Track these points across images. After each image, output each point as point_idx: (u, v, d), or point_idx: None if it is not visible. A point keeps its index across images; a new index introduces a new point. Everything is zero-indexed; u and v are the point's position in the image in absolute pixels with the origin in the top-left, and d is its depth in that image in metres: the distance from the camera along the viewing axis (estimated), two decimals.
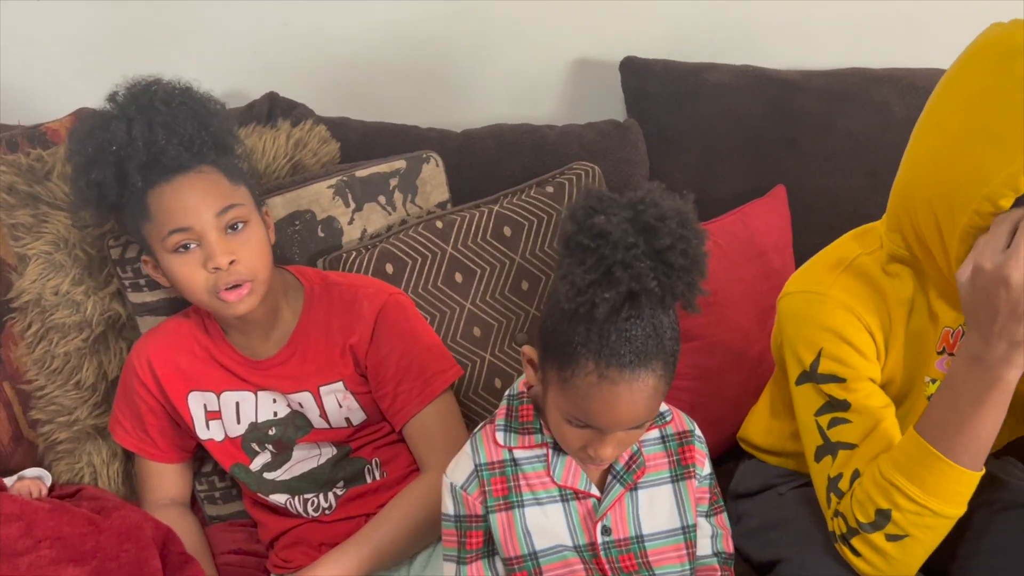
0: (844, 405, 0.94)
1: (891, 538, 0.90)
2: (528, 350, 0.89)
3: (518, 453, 0.92)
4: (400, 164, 1.32)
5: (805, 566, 1.01)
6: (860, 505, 0.92)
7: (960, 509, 0.90)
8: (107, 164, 1.00)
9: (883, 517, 0.90)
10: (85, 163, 1.02)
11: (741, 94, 1.52)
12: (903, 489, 0.89)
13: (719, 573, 1.00)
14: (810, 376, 0.96)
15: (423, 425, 1.09)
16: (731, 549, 1.02)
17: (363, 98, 1.60)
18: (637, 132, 1.50)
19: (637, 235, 0.76)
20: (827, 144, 1.51)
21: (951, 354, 0.97)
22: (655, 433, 0.96)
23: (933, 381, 0.99)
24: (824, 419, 0.95)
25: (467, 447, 0.94)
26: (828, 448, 0.95)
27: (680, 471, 0.96)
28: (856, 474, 0.93)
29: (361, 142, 1.45)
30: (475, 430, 0.96)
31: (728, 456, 1.29)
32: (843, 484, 0.94)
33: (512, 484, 0.92)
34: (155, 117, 1.00)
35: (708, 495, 0.99)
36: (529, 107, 1.64)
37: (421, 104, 1.62)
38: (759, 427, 1.19)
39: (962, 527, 1.05)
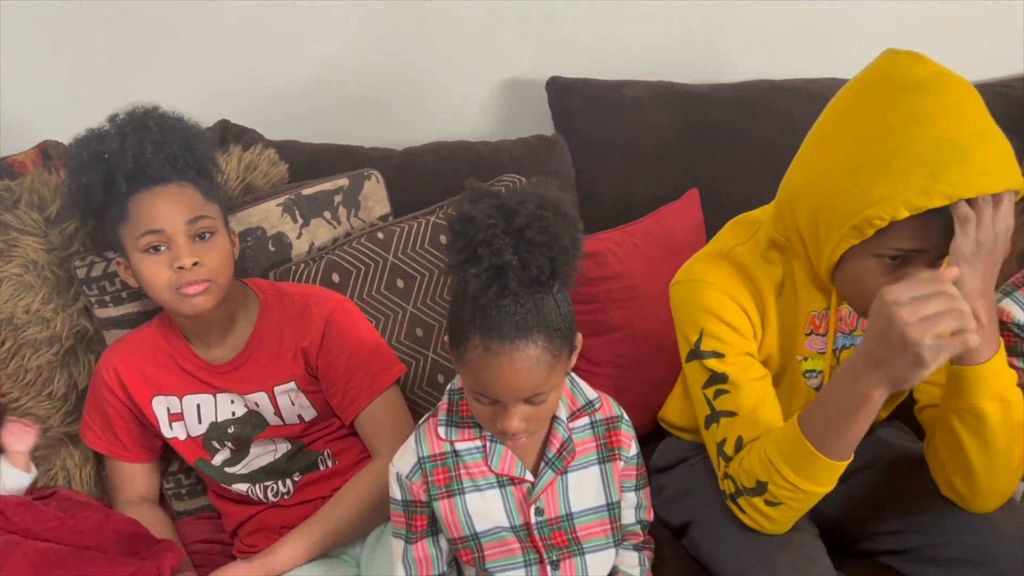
0: (724, 378, 1.06)
1: (769, 503, 1.03)
2: (451, 347, 0.98)
3: (459, 445, 1.02)
4: (343, 182, 1.43)
5: (710, 524, 1.13)
6: (746, 474, 1.03)
7: (827, 487, 1.01)
8: (98, 170, 1.11)
9: (762, 487, 1.02)
10: (78, 167, 1.13)
11: (657, 108, 1.66)
12: (780, 470, 1.00)
13: (640, 537, 1.13)
14: (695, 353, 1.08)
15: (372, 417, 1.20)
16: (651, 517, 1.15)
17: (310, 122, 1.71)
18: (563, 146, 1.64)
19: (499, 218, 0.88)
20: (736, 151, 1.65)
21: (819, 334, 1.11)
22: (585, 420, 1.06)
23: (805, 359, 1.12)
24: (710, 391, 1.07)
25: (411, 440, 1.03)
26: (714, 417, 1.07)
27: (607, 453, 1.06)
28: (740, 440, 1.05)
29: (309, 163, 1.56)
30: (419, 422, 1.05)
31: (652, 436, 1.42)
32: (728, 448, 1.06)
33: (453, 474, 1.02)
34: (147, 135, 1.12)
35: (635, 472, 1.10)
36: (465, 125, 1.76)
37: (365, 126, 1.74)
38: (675, 408, 1.32)
39: (853, 484, 1.20)
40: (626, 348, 1.43)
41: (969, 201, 0.91)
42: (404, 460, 1.03)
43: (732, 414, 1.07)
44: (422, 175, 1.58)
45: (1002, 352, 0.99)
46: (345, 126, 1.72)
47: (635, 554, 1.12)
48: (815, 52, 1.82)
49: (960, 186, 0.89)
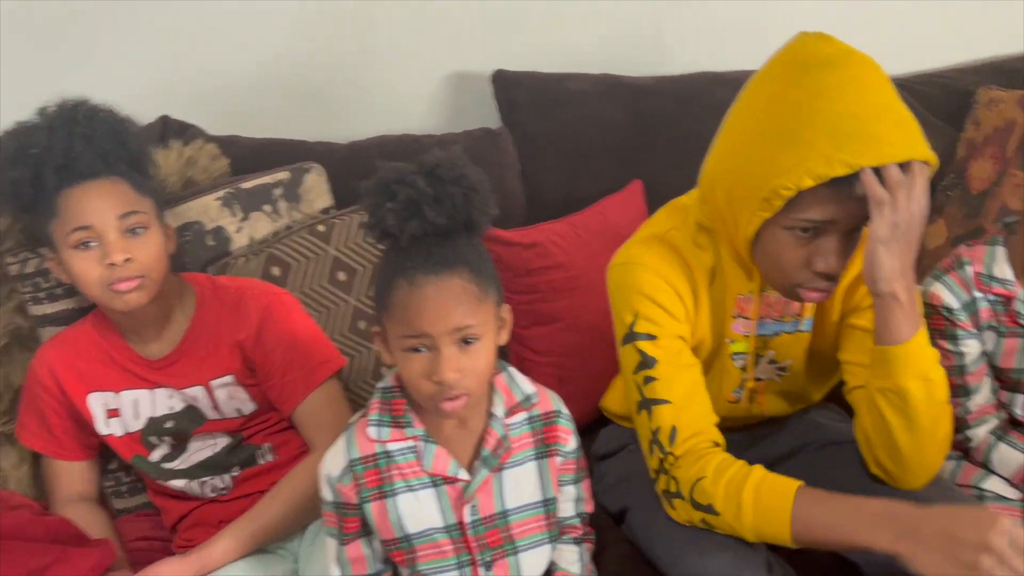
0: (652, 362, 1.07)
1: (705, 522, 1.03)
2: (374, 328, 1.00)
3: (390, 446, 1.01)
4: (283, 175, 1.43)
5: (647, 510, 1.14)
6: (703, 491, 1.01)
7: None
8: (26, 165, 1.09)
9: (710, 511, 1.02)
10: (6, 162, 1.11)
11: (601, 100, 1.68)
12: (741, 517, 0.99)
13: (580, 530, 1.12)
14: (630, 336, 1.09)
15: (310, 410, 1.20)
16: (591, 509, 1.14)
17: (255, 117, 1.70)
18: (507, 138, 1.65)
19: (411, 164, 0.94)
20: (679, 143, 1.67)
21: (745, 317, 1.12)
22: (523, 415, 1.05)
23: (732, 342, 1.14)
24: (640, 377, 1.08)
25: (341, 441, 1.02)
26: (645, 404, 1.08)
27: (544, 449, 1.05)
28: (675, 432, 1.05)
29: (252, 157, 1.55)
30: (350, 421, 1.04)
31: (597, 424, 1.44)
32: (663, 438, 1.06)
33: (385, 475, 1.00)
34: (75, 128, 1.10)
35: (574, 466, 1.09)
36: (411, 119, 1.76)
37: (310, 120, 1.73)
38: (616, 396, 1.33)
39: (787, 468, 1.22)
40: (569, 338, 1.44)
41: (883, 182, 0.93)
42: (334, 462, 1.01)
43: (665, 402, 1.07)
44: (366, 169, 1.53)
45: (924, 331, 1.01)
46: (290, 121, 1.71)
47: (575, 548, 1.11)
48: (757, 44, 1.82)
49: (861, 154, 0.91)
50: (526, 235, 1.45)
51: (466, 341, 0.94)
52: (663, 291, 1.09)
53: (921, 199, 0.95)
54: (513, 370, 1.08)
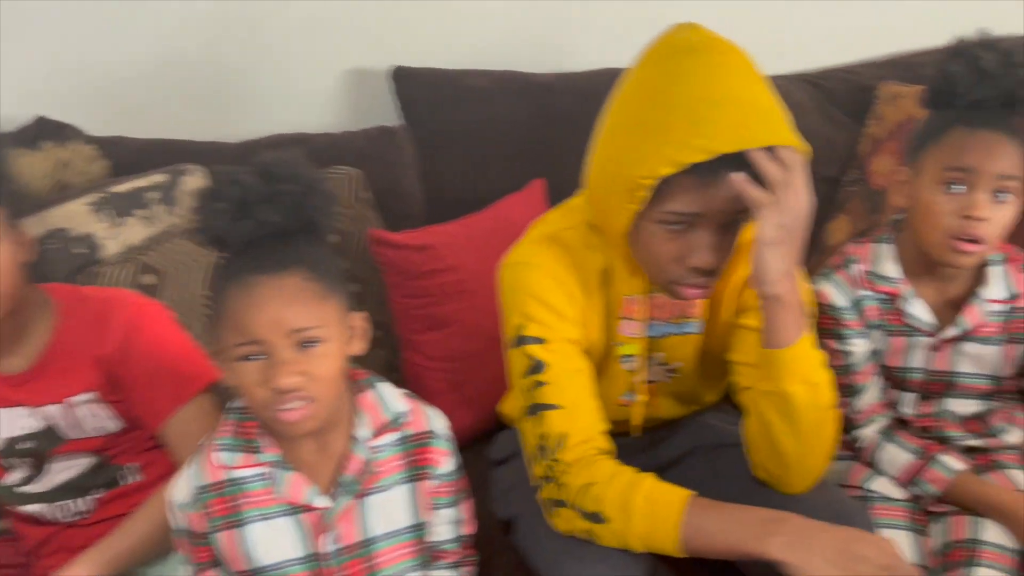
0: (543, 367, 1.03)
1: (591, 531, 0.99)
2: (210, 349, 0.94)
3: (240, 472, 0.94)
4: (160, 178, 1.36)
5: (531, 517, 1.09)
6: (593, 499, 0.97)
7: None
8: None
9: (597, 519, 0.98)
10: None
11: (502, 97, 1.64)
12: (631, 526, 0.95)
13: (458, 555, 1.06)
14: (519, 340, 1.05)
15: (179, 427, 1.14)
16: (473, 530, 1.08)
17: (144, 117, 1.63)
18: (405, 137, 1.61)
19: (244, 166, 0.90)
20: (583, 141, 1.62)
21: (632, 319, 1.09)
22: (392, 436, 0.98)
23: (620, 344, 1.11)
24: (529, 381, 1.04)
25: (188, 467, 0.95)
26: (533, 409, 1.04)
27: (415, 472, 0.99)
28: (563, 438, 1.01)
29: (136, 159, 1.48)
30: (200, 442, 0.98)
31: (497, 429, 1.40)
32: (550, 444, 1.02)
33: (235, 504, 0.94)
34: None
35: (450, 488, 1.02)
36: (310, 117, 1.71)
37: (204, 119, 1.66)
38: (512, 400, 1.30)
39: (676, 472, 1.20)
40: (462, 342, 1.40)
41: (765, 184, 0.91)
42: (181, 489, 0.95)
43: (553, 407, 1.03)
44: None
45: (810, 334, 1.00)
46: (183, 120, 1.64)
47: (450, 574, 1.05)
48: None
49: (716, 139, 0.88)
50: (417, 237, 1.41)
51: (307, 344, 0.88)
52: (554, 292, 1.05)
53: (804, 195, 0.93)
54: (384, 386, 1.02)
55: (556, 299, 1.05)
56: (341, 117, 1.73)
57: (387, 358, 1.48)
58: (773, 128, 0.91)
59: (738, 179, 0.90)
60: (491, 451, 1.31)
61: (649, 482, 0.99)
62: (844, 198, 1.69)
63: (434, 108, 1.62)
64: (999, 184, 1.08)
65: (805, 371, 0.98)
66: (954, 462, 1.16)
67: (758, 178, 0.91)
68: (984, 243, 1.10)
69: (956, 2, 1.96)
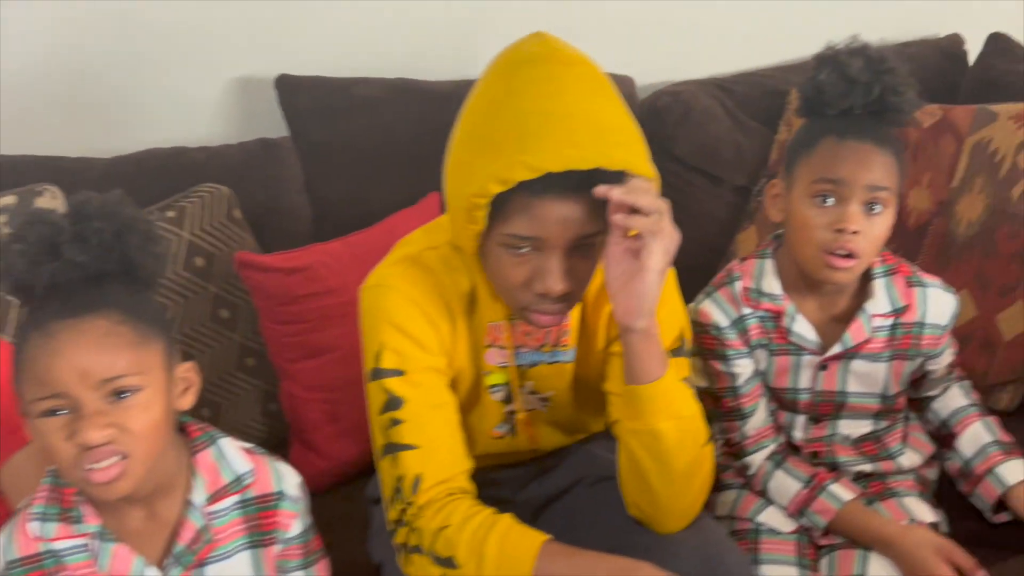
0: (399, 403, 0.96)
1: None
2: (20, 413, 0.83)
3: (58, 544, 0.86)
4: (9, 200, 1.26)
5: (395, 567, 1.03)
6: (446, 541, 0.92)
7: None
8: None
9: (450, 564, 0.92)
10: None
11: (393, 107, 1.56)
12: (485, 568, 0.90)
13: None
14: (375, 372, 0.97)
15: (15, 472, 1.04)
16: None
17: (11, 131, 1.52)
18: (288, 149, 1.52)
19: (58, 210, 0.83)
20: None
21: (499, 347, 1.02)
22: (232, 499, 0.90)
23: (488, 373, 1.03)
24: (385, 418, 0.97)
25: (1, 537, 0.87)
26: (389, 448, 0.96)
27: (260, 537, 0.91)
28: (418, 480, 0.94)
29: None
30: (15, 511, 0.88)
31: None
32: (406, 487, 0.95)
33: None
34: None
35: (300, 551, 0.94)
36: (195, 128, 1.61)
37: (80, 133, 1.56)
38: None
39: (562, 503, 1.13)
40: (342, 369, 1.31)
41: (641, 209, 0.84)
42: None
43: (411, 447, 0.96)
44: (126, 187, 1.38)
45: (674, 367, 0.93)
46: (55, 134, 1.53)
47: None
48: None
49: (543, 156, 0.81)
50: (290, 259, 1.32)
51: (120, 394, 0.79)
52: (414, 319, 0.97)
53: (670, 227, 0.88)
54: (226, 443, 0.92)
55: (415, 326, 0.97)
56: (229, 128, 1.63)
57: (265, 388, 1.39)
58: (605, 149, 0.83)
59: (619, 217, 0.84)
60: (369, 488, 1.23)
61: (503, 525, 0.92)
62: (754, 208, 1.64)
63: (320, 118, 1.53)
64: (871, 196, 1.03)
65: (674, 406, 0.92)
66: (843, 492, 1.10)
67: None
68: (858, 257, 1.04)
69: (872, 4, 1.94)
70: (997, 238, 1.40)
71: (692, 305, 1.15)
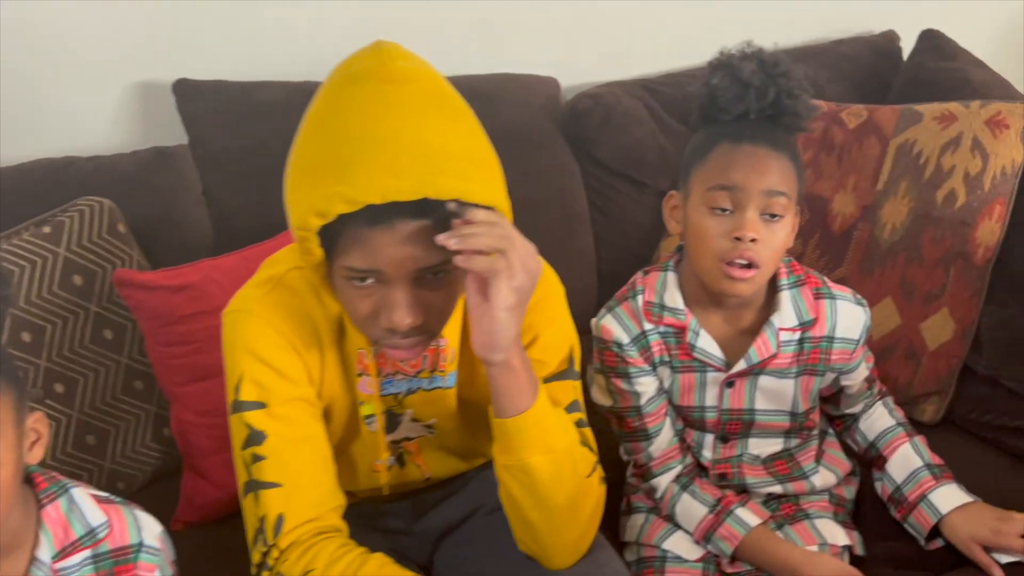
0: (260, 438, 0.89)
1: None
2: None
3: None
4: None
5: None
6: None
7: None
8: None
9: None
10: None
11: (296, 112, 1.38)
12: None
13: None
14: (235, 405, 0.91)
15: None
16: None
17: None
18: (184, 157, 1.44)
19: None
20: None
21: (368, 375, 0.95)
22: (84, 554, 0.83)
23: (363, 403, 0.97)
24: (247, 454, 0.90)
25: None
26: (251, 486, 0.90)
27: None
28: (280, 521, 0.88)
29: None
30: None
31: None
32: (268, 528, 0.88)
33: None
34: None
35: None
36: (94, 136, 1.52)
37: None
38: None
39: (461, 534, 1.08)
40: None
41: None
42: None
43: (274, 485, 0.89)
44: (5, 199, 1.33)
45: (545, 397, 0.86)
46: None
47: None
48: (481, 46, 1.70)
49: (361, 188, 0.73)
50: (175, 275, 1.24)
51: None
52: (275, 347, 0.90)
53: (529, 249, 0.80)
54: (79, 494, 0.85)
55: (276, 355, 0.90)
56: (130, 136, 1.55)
57: (157, 412, 1.31)
58: (438, 176, 0.75)
59: (467, 259, 0.77)
60: None
61: (375, 563, 0.86)
62: None
63: (220, 124, 1.45)
64: (768, 201, 0.97)
65: (545, 439, 0.85)
66: (750, 516, 1.05)
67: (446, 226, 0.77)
68: (759, 267, 0.98)
69: (799, 3, 1.89)
70: (921, 243, 1.35)
71: (595, 320, 1.09)
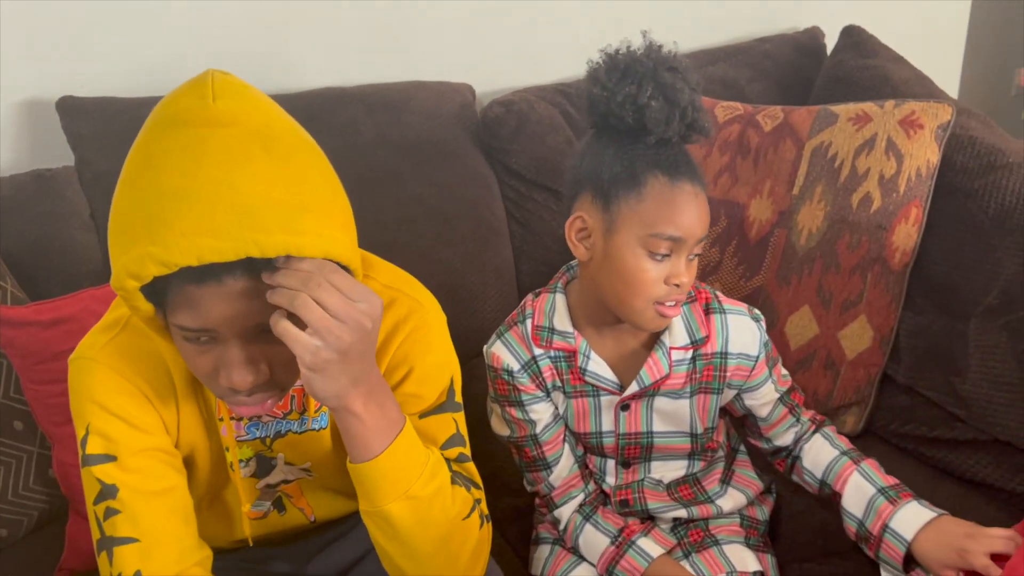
0: (114, 491, 0.83)
1: None
2: None
3: None
4: None
5: None
6: None
7: None
8: None
9: None
10: None
11: None
12: None
13: None
14: (85, 459, 0.84)
15: None
16: None
17: None
18: (68, 180, 1.36)
19: None
20: None
21: (235, 419, 0.89)
22: None
23: (227, 449, 0.90)
24: (100, 509, 0.83)
25: None
26: (104, 543, 0.83)
27: None
28: None
29: None
30: None
31: None
32: None
33: None
34: None
35: None
36: None
37: None
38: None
39: (358, 569, 1.02)
40: None
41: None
42: None
43: (129, 541, 0.83)
44: None
45: (400, 443, 0.79)
46: None
47: None
48: (403, 55, 1.64)
49: (174, 250, 0.66)
50: (49, 309, 1.16)
51: None
52: (120, 396, 0.84)
53: (344, 309, 0.70)
54: None
55: (125, 404, 0.84)
56: (18, 157, 1.46)
57: (40, 453, 1.23)
58: (259, 233, 0.67)
59: (281, 325, 0.70)
60: None
61: None
62: None
63: (107, 144, 1.37)
64: (698, 248, 0.95)
65: (405, 485, 0.79)
66: (653, 547, 1.00)
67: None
68: (683, 301, 0.96)
69: (724, 3, 1.85)
70: (838, 249, 1.31)
71: (485, 347, 1.03)
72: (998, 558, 0.91)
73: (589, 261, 0.97)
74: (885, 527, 0.98)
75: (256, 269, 0.70)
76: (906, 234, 1.29)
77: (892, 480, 1.02)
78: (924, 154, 1.30)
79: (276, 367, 0.76)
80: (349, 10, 1.57)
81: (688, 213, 0.92)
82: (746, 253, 1.39)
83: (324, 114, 1.49)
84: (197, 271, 0.68)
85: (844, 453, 1.05)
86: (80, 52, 1.44)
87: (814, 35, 1.82)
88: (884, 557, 0.99)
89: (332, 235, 0.71)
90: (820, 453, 1.05)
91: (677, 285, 0.93)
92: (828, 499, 1.06)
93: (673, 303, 0.94)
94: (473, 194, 1.53)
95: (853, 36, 1.67)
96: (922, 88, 1.53)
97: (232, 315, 0.71)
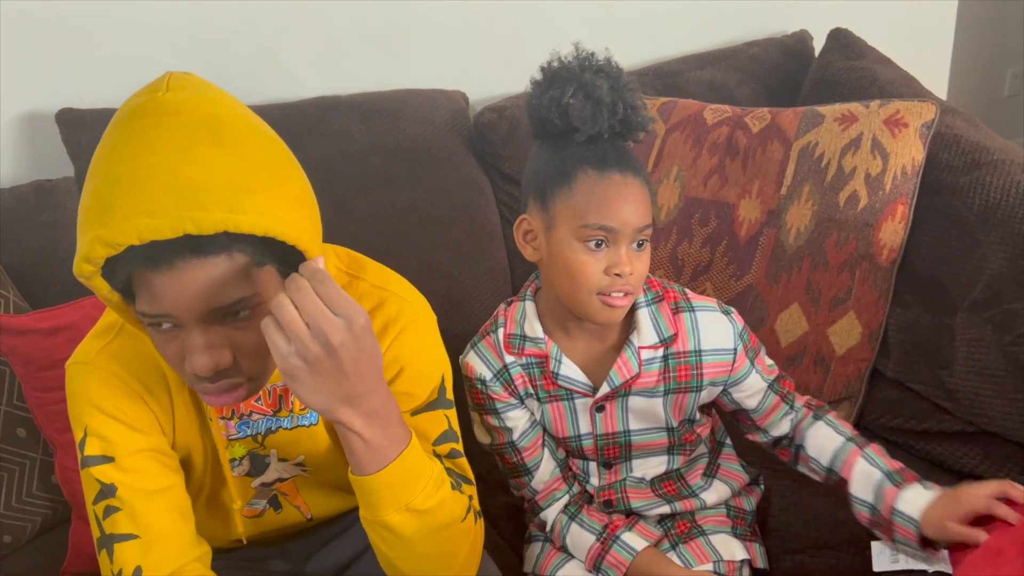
0: (112, 491, 0.85)
1: None
2: None
3: None
4: None
5: None
6: None
7: None
8: None
9: None
10: None
11: None
12: None
13: None
14: (84, 461, 0.86)
15: None
16: None
17: None
18: (68, 191, 1.38)
19: None
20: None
21: (224, 418, 0.91)
22: None
23: (226, 447, 0.92)
24: (99, 508, 0.86)
25: None
26: (105, 541, 0.85)
27: None
28: (138, 573, 0.84)
29: None
30: None
31: None
32: None
33: None
34: None
35: None
36: None
37: None
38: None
39: (354, 569, 1.04)
40: None
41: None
42: None
43: (129, 537, 0.85)
44: None
45: (403, 460, 0.80)
46: None
47: None
48: (396, 63, 1.67)
49: (117, 230, 0.68)
50: (50, 317, 1.19)
51: None
52: (116, 398, 0.86)
53: (325, 320, 0.70)
54: None
55: (120, 406, 0.86)
56: (18, 170, 1.49)
57: (43, 459, 1.25)
58: (198, 211, 0.68)
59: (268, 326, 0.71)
60: None
61: None
62: None
63: None
64: (640, 236, 0.95)
65: (402, 499, 0.80)
66: (637, 540, 1.02)
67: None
68: (632, 293, 0.96)
69: (717, 4, 1.88)
70: (826, 247, 1.33)
71: (460, 357, 1.05)
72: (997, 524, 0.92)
73: (540, 262, 1.01)
74: (893, 510, 0.98)
75: (210, 251, 0.71)
76: (893, 231, 1.31)
77: (897, 464, 1.02)
78: (909, 152, 1.32)
79: (241, 354, 0.77)
80: (342, 19, 1.60)
81: (617, 202, 0.93)
82: (736, 253, 1.41)
83: (318, 122, 1.51)
84: (149, 255, 0.70)
85: (849, 440, 1.04)
86: (79, 64, 1.47)
87: (802, 38, 1.84)
88: (901, 540, 0.98)
89: (276, 215, 0.71)
90: (825, 440, 1.05)
91: (619, 275, 0.94)
92: (835, 486, 1.05)
93: (621, 294, 0.95)
94: (467, 199, 1.55)
95: (840, 38, 1.69)
96: (908, 89, 1.55)
97: (186, 299, 0.72)
